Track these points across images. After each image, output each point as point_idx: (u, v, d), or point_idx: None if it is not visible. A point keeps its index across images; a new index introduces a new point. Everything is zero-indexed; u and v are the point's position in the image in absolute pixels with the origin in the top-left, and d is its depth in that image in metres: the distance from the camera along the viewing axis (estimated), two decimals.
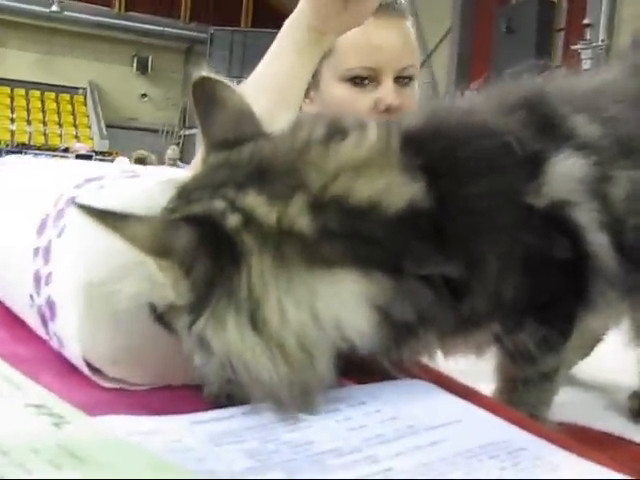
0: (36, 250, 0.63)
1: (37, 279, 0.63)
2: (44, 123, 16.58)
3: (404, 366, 0.59)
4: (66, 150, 12.11)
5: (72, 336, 0.58)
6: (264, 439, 0.47)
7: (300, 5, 1.13)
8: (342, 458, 0.44)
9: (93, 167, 0.73)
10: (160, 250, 0.48)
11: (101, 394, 0.58)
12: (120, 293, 0.52)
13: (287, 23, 1.15)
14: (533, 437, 0.49)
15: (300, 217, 0.50)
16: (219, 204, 0.51)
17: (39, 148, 13.83)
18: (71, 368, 0.61)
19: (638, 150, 0.64)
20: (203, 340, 0.50)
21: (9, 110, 16.58)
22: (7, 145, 14.05)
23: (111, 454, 0.41)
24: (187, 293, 0.50)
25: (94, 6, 14.72)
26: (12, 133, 15.97)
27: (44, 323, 0.63)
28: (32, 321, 0.67)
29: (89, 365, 0.59)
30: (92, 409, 0.50)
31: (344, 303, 0.50)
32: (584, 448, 0.49)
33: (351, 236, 0.51)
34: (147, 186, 0.58)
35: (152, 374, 0.60)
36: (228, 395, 0.55)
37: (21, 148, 13.28)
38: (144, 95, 17.31)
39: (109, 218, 0.48)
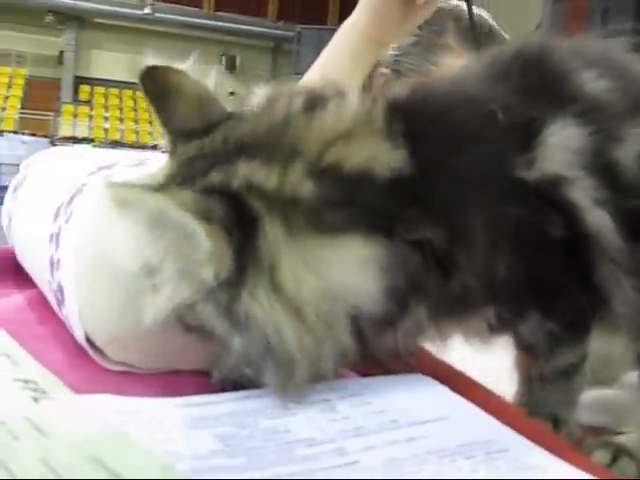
0: (51, 236, 0.65)
1: (52, 264, 0.64)
2: (135, 121, 17.09)
3: (411, 360, 0.58)
4: (155, 147, 12.44)
5: (75, 320, 0.59)
6: (242, 425, 0.47)
7: (358, 13, 1.11)
8: (312, 448, 0.43)
9: (109, 155, 0.74)
10: (207, 217, 0.47)
11: (104, 375, 0.59)
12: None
13: (343, 29, 1.13)
14: (520, 438, 0.47)
15: (301, 183, 0.49)
16: (216, 177, 0.50)
17: (131, 145, 14.26)
18: (81, 349, 0.62)
19: None
20: (243, 316, 0.49)
21: (103, 109, 17.21)
22: (101, 142, 14.56)
23: (76, 431, 0.41)
24: (230, 263, 0.48)
25: (184, 7, 15.13)
26: (106, 131, 16.56)
27: (59, 306, 0.65)
28: (53, 303, 0.69)
29: (94, 347, 0.60)
30: (89, 388, 0.52)
31: (352, 268, 0.49)
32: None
33: (349, 203, 0.50)
34: (151, 173, 0.58)
35: (158, 358, 0.61)
36: (234, 382, 0.56)
37: (114, 145, 13.72)
38: (232, 93, 17.61)
39: (147, 189, 0.48)
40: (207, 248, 0.46)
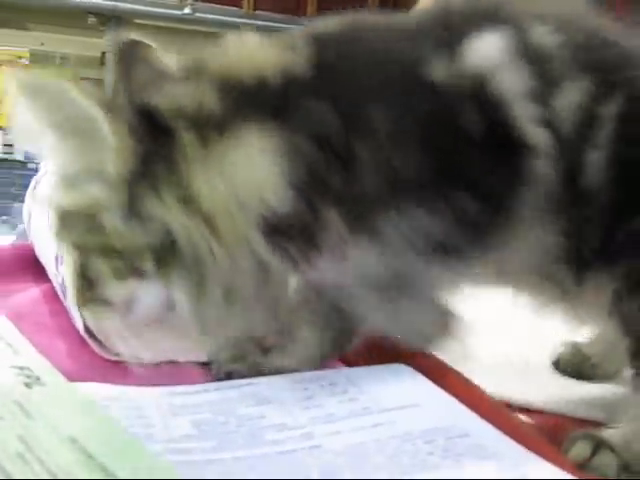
0: None
1: (56, 259, 0.68)
2: None
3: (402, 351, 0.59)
4: None
5: (75, 312, 0.63)
6: (219, 412, 0.49)
7: None
8: (281, 433, 0.46)
9: None
10: (114, 114, 0.49)
11: (101, 364, 0.62)
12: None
13: None
14: (486, 426, 0.48)
15: (208, 97, 0.52)
16: (137, 98, 0.52)
17: None
18: (82, 340, 0.65)
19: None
20: (143, 214, 0.50)
21: None
22: None
23: (59, 414, 0.44)
24: (132, 160, 0.50)
25: (224, 7, 15.32)
26: None
27: (64, 299, 0.68)
28: (60, 296, 0.72)
29: (93, 338, 0.63)
30: (85, 377, 0.55)
31: (252, 162, 0.50)
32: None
33: (247, 105, 0.52)
34: None
35: (157, 350, 0.63)
36: (228, 372, 0.58)
37: None
38: None
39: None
40: (109, 141, 0.49)
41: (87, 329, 0.62)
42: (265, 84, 0.52)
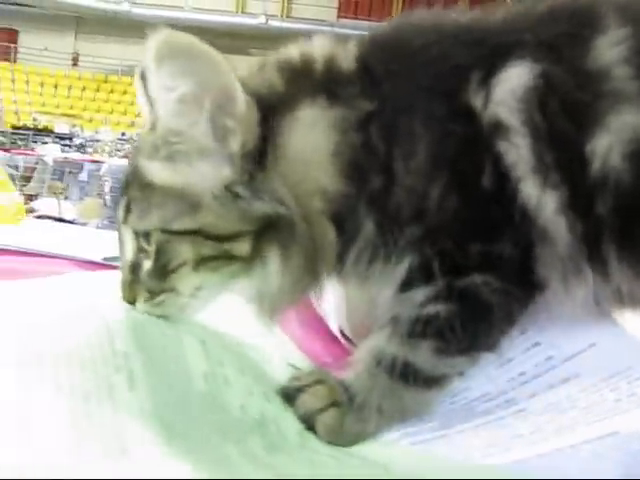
0: None
1: None
2: None
3: None
4: None
5: (331, 315, 0.74)
6: None
7: None
8: (488, 403, 0.56)
9: None
10: (249, 89, 0.54)
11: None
12: None
13: None
14: None
15: (274, 79, 0.57)
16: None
17: None
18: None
19: None
20: (260, 190, 0.53)
21: None
22: None
23: None
24: (256, 137, 0.53)
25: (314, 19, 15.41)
26: None
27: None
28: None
29: (345, 337, 0.73)
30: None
31: (307, 130, 0.54)
32: None
33: (300, 82, 0.57)
34: None
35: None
36: None
37: None
38: None
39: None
40: (240, 113, 0.52)
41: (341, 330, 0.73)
42: (312, 69, 0.57)
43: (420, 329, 0.53)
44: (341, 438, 0.53)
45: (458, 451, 0.50)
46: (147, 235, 0.55)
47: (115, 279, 0.59)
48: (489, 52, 0.54)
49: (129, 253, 0.57)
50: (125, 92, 16.82)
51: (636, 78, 0.50)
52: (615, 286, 0.53)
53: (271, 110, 0.55)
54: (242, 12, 18.47)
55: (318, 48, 0.59)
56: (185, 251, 0.54)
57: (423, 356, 0.54)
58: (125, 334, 0.52)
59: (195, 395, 0.51)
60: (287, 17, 17.61)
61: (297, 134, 0.55)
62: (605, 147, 0.50)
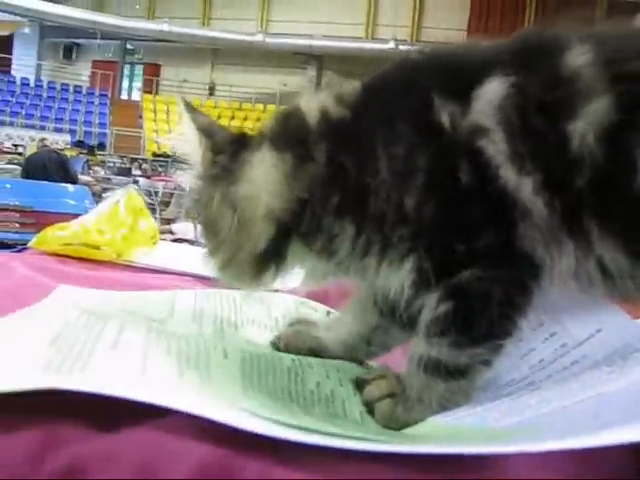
0: None
1: None
2: None
3: None
4: None
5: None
6: None
7: None
8: (512, 387, 0.67)
9: None
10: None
11: None
12: None
13: None
14: None
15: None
16: None
17: None
18: None
19: None
20: None
21: None
22: None
23: None
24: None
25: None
26: None
27: None
28: None
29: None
30: None
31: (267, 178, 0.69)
32: None
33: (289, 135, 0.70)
34: None
35: None
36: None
37: None
38: None
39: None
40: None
41: None
42: (304, 125, 0.69)
43: (435, 329, 0.63)
44: (392, 422, 0.64)
45: (481, 421, 0.63)
46: None
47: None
48: (465, 74, 0.65)
49: None
50: (258, 119, 17.42)
51: (602, 75, 0.60)
52: (597, 257, 0.61)
53: (248, 145, 0.71)
54: (372, 38, 18.77)
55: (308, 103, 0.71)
56: None
57: (444, 351, 0.64)
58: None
59: (280, 369, 0.65)
60: (417, 41, 17.74)
61: (257, 167, 0.69)
62: (582, 129, 0.59)
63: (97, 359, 0.57)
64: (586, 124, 0.59)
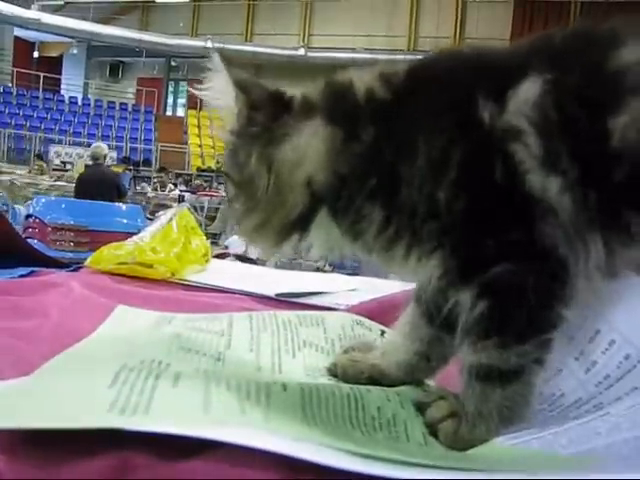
0: None
1: None
2: None
3: None
4: None
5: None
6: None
7: None
8: (580, 409, 0.66)
9: None
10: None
11: None
12: None
13: None
14: None
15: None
16: None
17: None
18: None
19: None
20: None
21: None
22: None
23: None
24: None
25: None
26: None
27: None
28: None
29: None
30: None
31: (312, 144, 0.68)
32: None
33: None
34: None
35: None
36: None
37: None
38: None
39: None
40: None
41: None
42: (349, 95, 0.68)
43: (477, 331, 0.62)
44: (457, 443, 0.63)
45: (549, 447, 0.61)
46: None
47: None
48: (500, 75, 0.65)
49: None
50: None
51: None
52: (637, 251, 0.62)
53: (293, 108, 0.69)
54: (413, 50, 18.78)
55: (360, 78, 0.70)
56: None
57: (493, 355, 0.62)
58: None
59: (339, 396, 0.64)
60: None
61: (306, 135, 0.68)
62: (623, 123, 0.60)
63: (159, 398, 0.57)
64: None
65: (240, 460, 0.47)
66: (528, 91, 0.62)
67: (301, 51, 19.44)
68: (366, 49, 18.12)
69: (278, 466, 0.48)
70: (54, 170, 12.59)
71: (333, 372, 0.76)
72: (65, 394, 0.58)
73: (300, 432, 0.55)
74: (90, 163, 7.64)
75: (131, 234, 1.50)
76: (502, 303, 0.62)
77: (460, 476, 0.52)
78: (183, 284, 1.29)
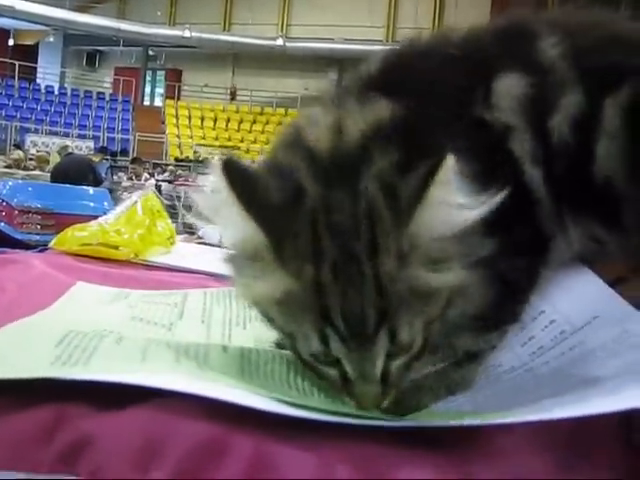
0: None
1: None
2: None
3: None
4: None
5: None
6: None
7: None
8: (512, 373, 0.69)
9: None
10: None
11: None
12: None
13: None
14: None
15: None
16: None
17: None
18: None
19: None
20: None
21: None
22: None
23: None
24: None
25: None
26: None
27: None
28: None
29: None
30: None
31: None
32: None
33: None
34: None
35: None
36: None
37: None
38: None
39: None
40: None
41: None
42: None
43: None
44: (399, 409, 0.63)
45: (478, 407, 0.65)
46: None
47: None
48: (480, 71, 0.66)
49: None
50: (280, 123, 17.51)
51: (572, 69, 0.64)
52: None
53: None
54: (392, 41, 18.76)
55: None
56: None
57: (466, 339, 0.66)
58: None
59: (279, 362, 0.66)
60: None
61: None
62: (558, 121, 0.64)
63: (100, 354, 0.60)
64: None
65: (175, 409, 0.49)
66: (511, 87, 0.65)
67: (279, 41, 19.36)
68: (345, 40, 18.11)
69: (216, 415, 0.49)
70: (31, 160, 12.48)
71: (281, 346, 0.77)
72: (10, 351, 0.61)
73: (235, 385, 0.57)
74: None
75: (97, 217, 1.51)
76: (495, 297, 0.63)
77: (396, 424, 0.54)
78: (144, 264, 1.31)
